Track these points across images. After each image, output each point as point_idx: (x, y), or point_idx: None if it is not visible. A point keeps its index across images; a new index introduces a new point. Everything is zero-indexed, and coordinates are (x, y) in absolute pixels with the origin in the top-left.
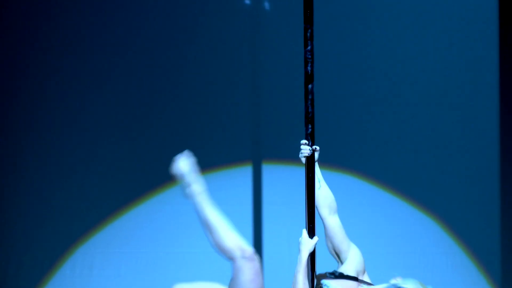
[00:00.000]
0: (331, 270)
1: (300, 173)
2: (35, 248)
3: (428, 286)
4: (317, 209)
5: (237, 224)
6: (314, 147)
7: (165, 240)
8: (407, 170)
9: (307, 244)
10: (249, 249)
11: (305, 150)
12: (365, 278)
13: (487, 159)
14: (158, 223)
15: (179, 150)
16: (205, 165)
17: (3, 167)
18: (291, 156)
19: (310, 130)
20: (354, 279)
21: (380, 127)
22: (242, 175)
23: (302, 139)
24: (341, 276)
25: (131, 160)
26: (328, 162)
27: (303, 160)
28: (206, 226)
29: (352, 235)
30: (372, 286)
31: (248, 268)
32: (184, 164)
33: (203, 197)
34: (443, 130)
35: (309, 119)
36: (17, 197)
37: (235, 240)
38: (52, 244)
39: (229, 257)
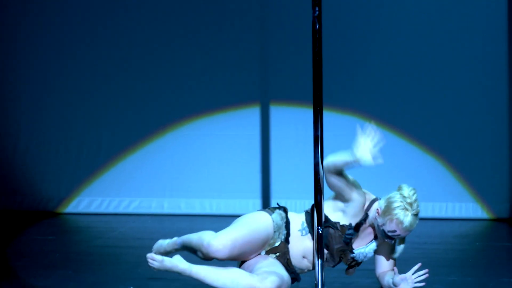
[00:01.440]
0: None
1: (307, 114)
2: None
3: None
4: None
5: (246, 163)
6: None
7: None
8: (415, 113)
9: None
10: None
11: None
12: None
13: (496, 105)
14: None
15: (189, 91)
16: (214, 106)
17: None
18: (298, 98)
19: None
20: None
21: (389, 70)
22: (250, 115)
23: (309, 81)
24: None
25: (145, 98)
26: (336, 104)
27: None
28: (224, 284)
29: (360, 177)
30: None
31: None
32: (162, 265)
33: (195, 269)
34: (453, 75)
35: (317, 61)
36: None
37: (247, 279)
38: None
39: None
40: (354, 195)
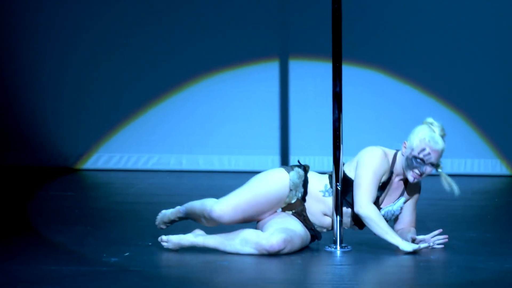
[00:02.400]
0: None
1: (326, 69)
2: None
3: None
4: None
5: (264, 119)
6: None
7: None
8: (436, 67)
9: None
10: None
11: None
12: None
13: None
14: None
15: (208, 46)
16: (234, 60)
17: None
18: (318, 52)
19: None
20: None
21: (411, 24)
22: (270, 70)
23: (329, 35)
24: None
25: (165, 54)
26: (357, 59)
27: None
28: (235, 248)
29: (378, 132)
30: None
31: None
32: (173, 243)
33: (206, 240)
34: (477, 28)
35: (336, 17)
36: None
37: (254, 238)
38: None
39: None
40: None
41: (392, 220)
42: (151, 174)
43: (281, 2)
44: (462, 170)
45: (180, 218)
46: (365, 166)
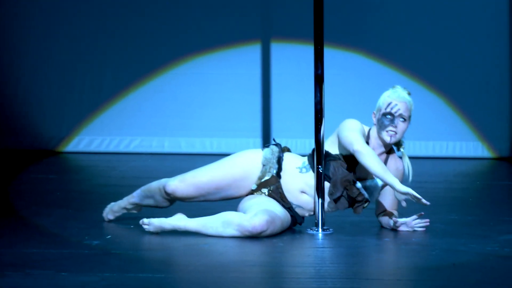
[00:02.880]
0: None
1: (309, 52)
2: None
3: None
4: None
5: (246, 101)
6: None
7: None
8: (416, 50)
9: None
10: None
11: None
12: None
13: (499, 42)
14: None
15: (189, 29)
16: (215, 43)
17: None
18: (300, 35)
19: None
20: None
21: (391, 6)
22: (251, 53)
23: (311, 17)
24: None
25: (146, 36)
26: (339, 41)
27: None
28: (217, 231)
29: (358, 111)
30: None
31: None
32: (154, 226)
33: (188, 222)
34: (455, 10)
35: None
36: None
37: (236, 219)
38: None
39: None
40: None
41: (374, 203)
42: (133, 157)
43: None
44: (444, 153)
45: (132, 206)
46: (348, 128)
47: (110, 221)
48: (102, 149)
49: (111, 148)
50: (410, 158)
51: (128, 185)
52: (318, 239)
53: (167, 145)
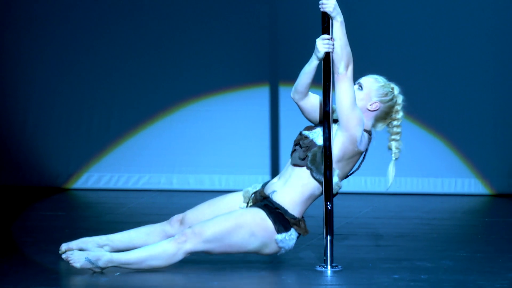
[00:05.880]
0: None
1: (315, 91)
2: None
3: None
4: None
5: (255, 142)
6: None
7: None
8: (413, 91)
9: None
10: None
11: (327, 44)
12: None
13: (495, 79)
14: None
15: (199, 70)
16: (223, 85)
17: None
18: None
19: (326, 24)
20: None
21: (387, 47)
22: (260, 95)
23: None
24: None
25: (155, 76)
26: None
27: (322, 55)
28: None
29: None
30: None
31: None
32: (83, 261)
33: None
34: (450, 46)
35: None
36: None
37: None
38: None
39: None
40: None
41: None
42: (142, 194)
43: (271, 29)
44: (452, 190)
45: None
46: None
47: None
48: (111, 186)
49: (120, 185)
50: (418, 194)
51: (136, 222)
52: (327, 276)
53: (176, 181)
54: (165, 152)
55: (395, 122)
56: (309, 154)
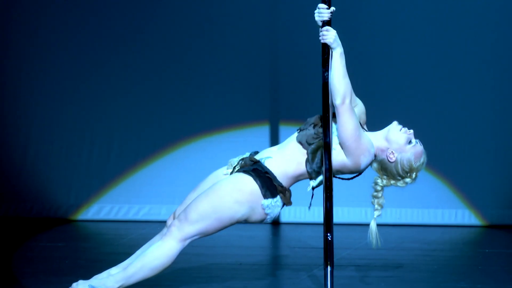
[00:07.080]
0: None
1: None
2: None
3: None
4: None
5: None
6: (331, 9)
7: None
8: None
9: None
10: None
11: (324, 13)
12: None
13: (483, 110)
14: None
15: (199, 108)
16: (224, 123)
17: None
18: (309, 117)
19: (326, 55)
20: None
21: (383, 76)
22: (260, 134)
23: (319, 102)
24: None
25: (155, 115)
26: None
27: (319, 23)
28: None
29: (349, 186)
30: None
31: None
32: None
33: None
34: (438, 79)
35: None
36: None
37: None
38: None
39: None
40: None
41: None
42: (142, 225)
43: (272, 67)
44: (452, 221)
45: None
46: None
47: None
48: (111, 217)
49: (120, 216)
50: (419, 226)
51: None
52: None
53: None
54: (165, 184)
55: (392, 182)
56: (314, 145)
